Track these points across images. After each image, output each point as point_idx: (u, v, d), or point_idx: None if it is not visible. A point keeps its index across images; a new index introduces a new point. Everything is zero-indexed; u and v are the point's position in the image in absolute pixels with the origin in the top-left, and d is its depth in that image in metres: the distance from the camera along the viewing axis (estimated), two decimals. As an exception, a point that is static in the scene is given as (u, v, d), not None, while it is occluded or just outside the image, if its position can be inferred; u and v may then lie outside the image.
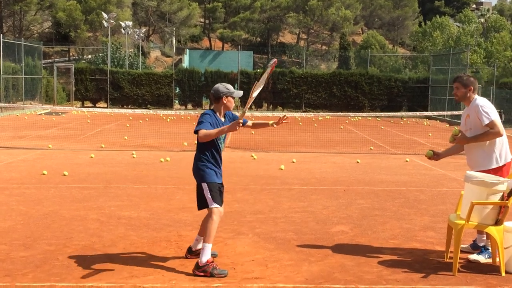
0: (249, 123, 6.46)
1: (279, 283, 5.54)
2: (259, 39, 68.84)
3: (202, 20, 69.35)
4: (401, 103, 38.28)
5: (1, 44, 30.62)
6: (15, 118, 27.21)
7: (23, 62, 33.85)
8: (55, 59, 52.08)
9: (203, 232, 6.04)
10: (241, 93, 6.11)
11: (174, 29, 59.14)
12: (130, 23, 47.30)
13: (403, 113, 25.30)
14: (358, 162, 14.42)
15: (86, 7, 53.48)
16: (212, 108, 6.10)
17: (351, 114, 22.98)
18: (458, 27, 56.67)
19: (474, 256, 6.41)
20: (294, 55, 65.57)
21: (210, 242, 5.79)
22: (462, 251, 6.43)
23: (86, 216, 8.18)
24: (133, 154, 15.02)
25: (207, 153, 5.92)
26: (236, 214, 8.41)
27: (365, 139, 20.93)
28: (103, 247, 6.67)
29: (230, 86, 6.04)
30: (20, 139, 18.41)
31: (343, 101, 38.19)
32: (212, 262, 5.72)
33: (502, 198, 5.96)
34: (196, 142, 6.01)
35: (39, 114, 30.17)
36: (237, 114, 6.13)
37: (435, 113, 25.80)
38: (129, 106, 37.26)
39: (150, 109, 34.62)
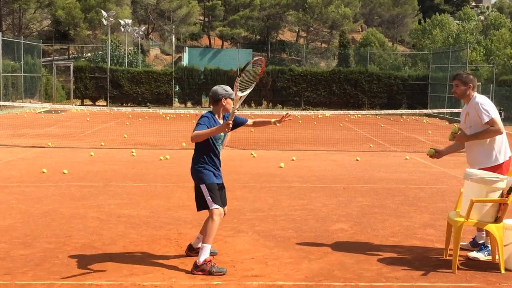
0: (250, 121, 6.43)
1: (278, 281, 5.54)
2: (259, 37, 68.83)
3: (201, 18, 69.34)
4: (400, 100, 38.25)
5: (1, 42, 30.59)
6: (14, 117, 27.20)
7: (22, 61, 33.83)
8: (55, 57, 52.05)
9: (204, 231, 6.04)
10: (239, 93, 6.00)
11: (174, 27, 59.10)
12: (130, 21, 47.26)
13: (403, 111, 25.27)
14: (357, 160, 14.42)
15: (86, 5, 53.47)
16: (211, 110, 6.06)
17: (351, 112, 22.95)
18: (458, 24, 56.63)
19: (473, 254, 6.41)
20: (294, 53, 65.56)
21: (210, 243, 5.79)
22: (461, 249, 6.44)
23: (85, 214, 8.18)
24: (132, 152, 15.02)
25: (205, 156, 5.90)
26: (236, 212, 8.41)
27: (365, 137, 20.93)
28: (103, 245, 6.67)
29: (228, 88, 5.97)
30: (19, 137, 18.40)
31: (343, 99, 38.19)
32: (210, 260, 5.72)
33: (501, 195, 5.96)
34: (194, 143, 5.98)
35: (38, 112, 30.16)
36: (236, 113, 6.11)
37: (435, 110, 25.85)
38: (129, 104, 37.25)
39: (150, 107, 34.62)
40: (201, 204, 5.96)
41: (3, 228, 7.32)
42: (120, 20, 46.87)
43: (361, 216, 8.35)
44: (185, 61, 52.96)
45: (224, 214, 6.00)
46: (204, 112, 6.12)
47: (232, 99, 5.95)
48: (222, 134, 5.94)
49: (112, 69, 37.92)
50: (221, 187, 5.99)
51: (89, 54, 52.08)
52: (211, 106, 6.07)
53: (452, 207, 8.49)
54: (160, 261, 6.09)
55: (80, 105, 34.83)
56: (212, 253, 6.07)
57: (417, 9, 73.69)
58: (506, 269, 5.95)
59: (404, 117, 33.25)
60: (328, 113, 27.84)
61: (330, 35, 67.43)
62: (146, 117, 28.35)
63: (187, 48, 58.43)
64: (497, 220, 5.98)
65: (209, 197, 5.83)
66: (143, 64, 46.75)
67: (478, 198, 5.90)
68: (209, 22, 68.21)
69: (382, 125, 26.81)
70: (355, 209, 8.81)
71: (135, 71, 38.46)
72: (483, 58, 46.49)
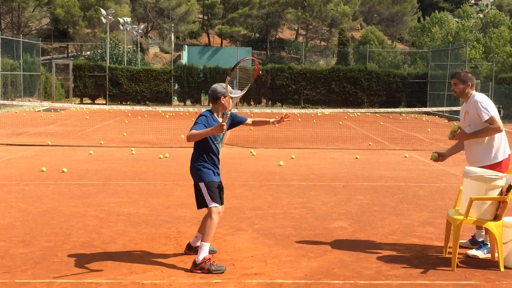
0: (249, 120, 6.44)
1: (278, 279, 5.55)
2: (258, 35, 68.78)
3: (200, 16, 69.26)
4: (400, 98, 38.27)
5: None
6: (13, 115, 27.19)
7: (21, 59, 33.82)
8: (54, 56, 51.97)
9: (203, 229, 6.04)
10: (238, 92, 6.00)
11: (173, 25, 59.06)
12: (129, 20, 47.17)
13: (402, 109, 25.30)
14: (357, 158, 14.42)
15: (85, 4, 53.40)
16: (210, 108, 6.06)
17: (350, 110, 22.86)
18: (457, 22, 56.61)
19: (473, 252, 6.42)
20: (293, 51, 65.52)
21: (209, 241, 5.79)
22: (461, 247, 6.44)
23: (85, 212, 8.18)
24: (132, 150, 15.02)
25: (204, 154, 5.90)
26: (235, 210, 8.42)
27: (364, 135, 20.94)
28: (102, 243, 6.67)
29: (228, 87, 5.96)
30: (18, 136, 18.40)
31: (342, 97, 38.18)
32: (209, 259, 5.72)
33: (500, 193, 5.97)
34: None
35: (37, 111, 30.15)
36: (234, 111, 6.10)
37: (434, 108, 25.82)
38: (128, 103, 37.23)
39: (149, 106, 34.61)
40: (201, 202, 5.96)
41: (3, 227, 7.32)
42: (119, 18, 46.78)
43: (360, 214, 8.36)
44: (184, 60, 52.91)
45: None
46: (203, 110, 6.11)
47: (232, 98, 5.93)
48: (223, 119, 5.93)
49: (111, 68, 37.90)
50: (220, 185, 5.99)
51: (88, 53, 52.02)
52: (210, 105, 6.07)
53: (451, 205, 8.50)
54: (160, 259, 6.09)
55: (79, 104, 34.82)
56: (212, 251, 6.07)
57: (416, 7, 73.62)
58: (505, 267, 5.96)
59: (403, 115, 33.25)
60: (327, 111, 27.82)
61: (329, 33, 67.38)
62: (146, 116, 28.34)
63: (186, 46, 58.38)
64: (496, 218, 5.99)
65: (208, 195, 5.84)
66: (142, 63, 46.71)
67: (477, 196, 5.91)
68: (208, 20, 68.15)
69: (381, 123, 26.82)
70: (354, 207, 8.82)
71: (134, 70, 38.44)
72: (482, 56, 46.47)
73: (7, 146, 15.64)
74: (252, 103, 37.94)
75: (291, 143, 17.48)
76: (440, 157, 6.71)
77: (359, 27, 74.62)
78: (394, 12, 71.84)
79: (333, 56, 62.81)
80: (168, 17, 60.39)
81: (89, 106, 26.37)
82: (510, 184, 5.91)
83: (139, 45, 48.60)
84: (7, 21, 54.48)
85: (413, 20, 68.29)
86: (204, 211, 6.12)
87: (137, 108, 26.22)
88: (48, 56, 51.57)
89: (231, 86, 5.82)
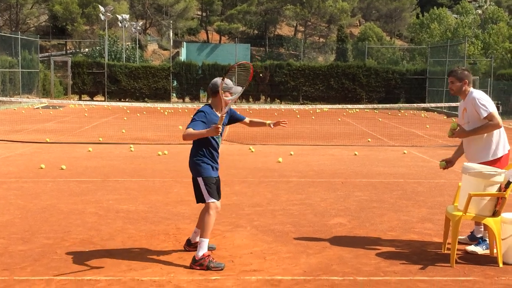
0: (246, 120, 6.44)
1: (277, 276, 5.55)
2: (257, 32, 68.67)
3: (199, 13, 69.13)
4: (398, 95, 38.26)
5: (-2, 38, 30.52)
6: (12, 112, 27.16)
7: (20, 56, 33.75)
8: (52, 53, 51.86)
9: (201, 225, 6.04)
10: (239, 89, 5.95)
11: (171, 22, 58.96)
12: (127, 16, 47.12)
13: (401, 105, 25.32)
14: (356, 154, 14.43)
15: (83, 0, 53.25)
16: (209, 103, 6.05)
17: (349, 106, 22.92)
18: (456, 18, 56.55)
19: (471, 248, 6.42)
20: (292, 47, 65.41)
21: (207, 237, 5.79)
22: (459, 243, 6.45)
23: (84, 209, 8.18)
24: (130, 147, 15.01)
25: (204, 149, 5.89)
26: (234, 207, 8.42)
27: (363, 131, 20.94)
28: (101, 240, 6.67)
29: (229, 81, 5.90)
30: (17, 133, 18.38)
31: (341, 93, 38.18)
32: (209, 255, 5.72)
33: (499, 189, 5.97)
34: None
35: (36, 108, 30.12)
36: (233, 107, 6.09)
37: (433, 105, 25.85)
38: (127, 100, 37.21)
39: (148, 103, 34.59)
40: (200, 197, 5.96)
41: (1, 224, 7.32)
42: (117, 15, 46.73)
43: (359, 211, 8.36)
44: (183, 56, 52.83)
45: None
46: (202, 106, 6.10)
47: (231, 93, 5.92)
48: (220, 127, 5.93)
49: (110, 65, 37.85)
50: (217, 180, 5.99)
51: (86, 50, 51.91)
52: (210, 99, 6.05)
53: (450, 201, 8.51)
54: (159, 256, 6.10)
55: (78, 101, 34.79)
56: (211, 248, 6.07)
57: (415, 3, 73.50)
58: (504, 263, 5.97)
59: (402, 111, 33.25)
60: (326, 107, 27.84)
61: (328, 30, 67.27)
62: (144, 112, 28.32)
63: (184, 43, 58.28)
64: (495, 214, 5.99)
65: (206, 191, 5.84)
66: (141, 59, 46.67)
67: (476, 192, 5.91)
68: (207, 17, 68.03)
69: (380, 119, 26.82)
70: (353, 204, 8.82)
71: (133, 66, 38.40)
72: (481, 52, 46.44)
73: (6, 143, 15.63)
74: (250, 99, 37.93)
75: (290, 140, 17.48)
76: (448, 164, 6.72)
77: (358, 24, 74.51)
78: (392, 8, 71.74)
79: (331, 52, 62.72)
80: (166, 13, 60.27)
81: (87, 103, 26.36)
82: (509, 180, 5.92)
83: (137, 42, 48.54)
84: (5, 18, 54.37)
85: (412, 16, 68.20)
86: (201, 206, 6.12)
87: (136, 105, 26.19)
88: (47, 53, 51.46)
89: (230, 80, 5.80)
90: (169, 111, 29.40)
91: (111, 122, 23.17)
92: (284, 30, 72.34)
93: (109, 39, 43.45)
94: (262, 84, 37.82)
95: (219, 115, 5.88)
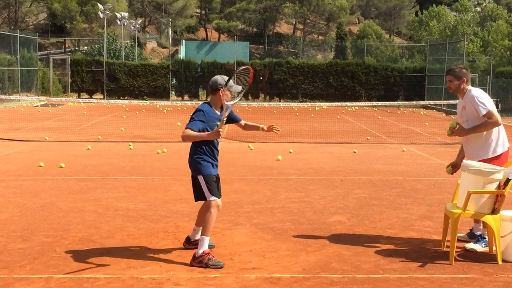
0: (242, 122, 6.46)
1: (276, 273, 5.55)
2: (256, 30, 68.63)
3: (198, 10, 69.10)
4: (397, 92, 38.27)
5: (-4, 36, 30.49)
6: (11, 110, 27.14)
7: (18, 54, 33.73)
8: (51, 51, 51.83)
9: (201, 222, 6.04)
10: (239, 88, 5.94)
11: (170, 20, 58.93)
12: (126, 14, 47.09)
13: (400, 103, 25.31)
14: (355, 152, 14.43)
15: (82, -2, 53.23)
16: (208, 101, 6.05)
17: (348, 104, 22.97)
18: (455, 16, 56.54)
19: (471, 245, 6.43)
20: (291, 45, 65.39)
21: (208, 235, 5.79)
22: (459, 240, 6.44)
23: (83, 207, 8.18)
24: (130, 145, 15.01)
25: (203, 146, 5.89)
26: (234, 205, 8.42)
27: (362, 129, 20.94)
28: (101, 238, 6.67)
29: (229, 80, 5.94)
30: (16, 131, 18.37)
31: (340, 91, 38.18)
32: (209, 253, 5.72)
33: (498, 187, 5.97)
34: None
35: (35, 106, 30.10)
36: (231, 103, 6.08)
37: (432, 102, 25.84)
38: (126, 98, 37.20)
39: (147, 100, 34.57)
40: (199, 195, 5.95)
41: (1, 222, 7.32)
42: (116, 13, 46.69)
43: (358, 208, 8.36)
44: (182, 54, 52.83)
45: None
46: (200, 104, 6.09)
47: (230, 92, 5.92)
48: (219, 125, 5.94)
49: (108, 63, 37.84)
50: (217, 178, 5.99)
51: (85, 48, 51.92)
52: (209, 97, 6.05)
53: (449, 199, 8.51)
54: (158, 254, 6.09)
55: (77, 99, 34.77)
56: (210, 246, 6.07)
57: (414, 0, 73.48)
58: (503, 260, 5.97)
59: (401, 109, 33.25)
60: (325, 105, 27.84)
61: (327, 27, 67.25)
62: (143, 110, 28.31)
63: (183, 41, 58.27)
64: (494, 211, 6.00)
65: (207, 189, 5.83)
66: (140, 57, 46.63)
67: (475, 190, 5.91)
68: (206, 14, 68.00)
69: (379, 117, 26.82)
70: (352, 201, 8.82)
71: (131, 64, 38.39)
72: (480, 49, 46.46)
73: (5, 141, 15.62)
74: (250, 97, 37.91)
75: (289, 138, 17.47)
76: (454, 168, 6.74)
77: (357, 21, 74.49)
78: (391, 6, 71.68)
79: (331, 50, 62.68)
80: (165, 11, 60.23)
81: (86, 101, 26.34)
82: (508, 178, 5.92)
83: (136, 40, 48.52)
84: (4, 16, 54.30)
85: (411, 14, 68.18)
86: (200, 204, 6.12)
87: (135, 103, 26.17)
88: (45, 51, 51.44)
89: (232, 81, 5.80)
90: (168, 109, 29.39)
91: (110, 120, 23.16)
92: (283, 28, 72.29)
93: (108, 37, 43.43)
94: (261, 82, 37.81)
95: (218, 113, 5.89)
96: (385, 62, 43.88)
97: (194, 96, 38.35)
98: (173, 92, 38.78)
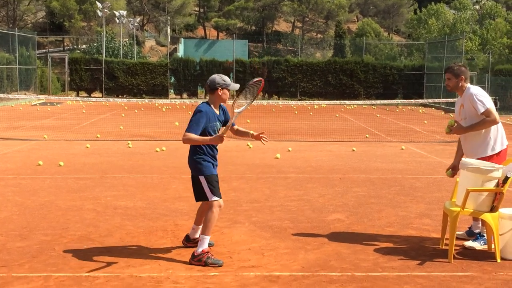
0: (235, 127, 6.45)
1: (275, 272, 5.56)
2: (254, 28, 68.58)
3: (196, 9, 69.04)
4: (396, 90, 38.27)
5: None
6: (9, 109, 27.12)
7: (17, 53, 33.71)
8: (49, 49, 51.78)
9: (199, 221, 6.04)
10: (237, 86, 5.95)
11: (169, 18, 58.88)
12: (125, 13, 47.05)
13: (399, 101, 25.32)
14: (353, 150, 14.43)
15: (80, -3, 53.17)
16: (207, 100, 6.05)
17: (347, 102, 22.98)
18: (454, 14, 56.53)
19: (469, 243, 6.43)
20: (289, 43, 65.37)
21: (209, 234, 5.80)
22: (457, 238, 6.45)
23: (82, 206, 8.18)
24: (128, 144, 15.00)
25: (204, 146, 5.89)
26: (232, 203, 8.42)
27: (361, 127, 20.94)
28: (100, 237, 6.67)
29: (227, 78, 5.95)
30: (15, 129, 18.36)
31: (339, 89, 38.18)
32: (208, 252, 5.73)
33: (497, 185, 5.98)
34: None
35: (34, 105, 30.08)
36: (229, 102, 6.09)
37: (431, 100, 25.85)
38: (124, 96, 37.18)
39: (145, 99, 34.55)
40: (200, 195, 5.95)
41: (-1, 221, 7.32)
42: (115, 12, 46.65)
43: (357, 206, 8.37)
44: (180, 52, 52.77)
45: None
46: (199, 103, 6.09)
47: (229, 90, 5.96)
48: (218, 124, 5.96)
49: (107, 61, 37.80)
50: (216, 177, 5.99)
51: (84, 46, 51.83)
52: (208, 96, 6.07)
53: (448, 197, 8.52)
54: (157, 252, 6.09)
55: (75, 97, 34.75)
56: (209, 245, 6.07)
57: (412, -2, 73.51)
58: (502, 258, 5.98)
59: (400, 107, 33.26)
60: (324, 103, 27.84)
61: (326, 26, 67.21)
62: (142, 109, 28.29)
63: (182, 39, 58.20)
64: (492, 209, 6.00)
65: (209, 189, 5.83)
66: (139, 56, 46.60)
67: (473, 188, 5.91)
68: (204, 13, 67.95)
69: (378, 115, 26.82)
70: (351, 200, 8.83)
71: (130, 63, 38.37)
72: (478, 47, 46.45)
73: (3, 140, 15.61)
74: (249, 95, 37.84)
75: (288, 136, 17.48)
76: (453, 170, 6.76)
77: (356, 19, 74.46)
78: (390, 4, 71.66)
79: (329, 48, 62.67)
80: (164, 10, 60.20)
81: (85, 99, 26.32)
82: (506, 175, 5.92)
83: (135, 38, 48.47)
84: (3, 15, 54.22)
85: (410, 12, 68.12)
86: (199, 202, 6.12)
87: (134, 101, 26.16)
88: (44, 50, 51.38)
89: (231, 80, 5.83)
90: (167, 107, 29.38)
91: (108, 119, 23.14)
92: (282, 26, 72.25)
93: (107, 35, 43.37)
94: (260, 80, 37.76)
95: (217, 112, 5.91)
96: (383, 60, 43.86)
97: (192, 94, 38.33)
98: (172, 91, 38.76)
